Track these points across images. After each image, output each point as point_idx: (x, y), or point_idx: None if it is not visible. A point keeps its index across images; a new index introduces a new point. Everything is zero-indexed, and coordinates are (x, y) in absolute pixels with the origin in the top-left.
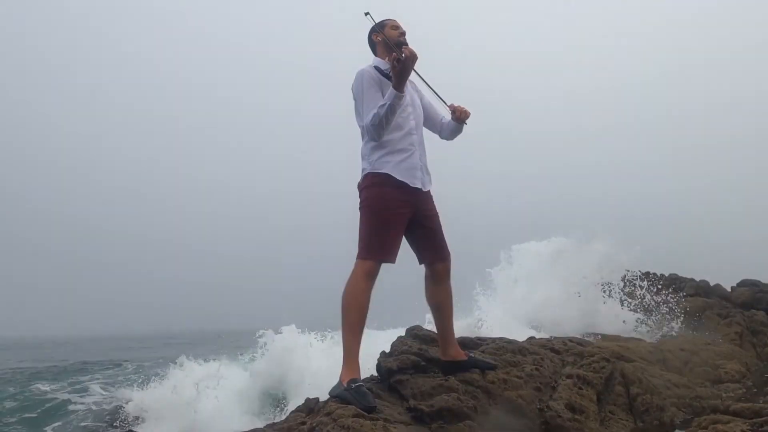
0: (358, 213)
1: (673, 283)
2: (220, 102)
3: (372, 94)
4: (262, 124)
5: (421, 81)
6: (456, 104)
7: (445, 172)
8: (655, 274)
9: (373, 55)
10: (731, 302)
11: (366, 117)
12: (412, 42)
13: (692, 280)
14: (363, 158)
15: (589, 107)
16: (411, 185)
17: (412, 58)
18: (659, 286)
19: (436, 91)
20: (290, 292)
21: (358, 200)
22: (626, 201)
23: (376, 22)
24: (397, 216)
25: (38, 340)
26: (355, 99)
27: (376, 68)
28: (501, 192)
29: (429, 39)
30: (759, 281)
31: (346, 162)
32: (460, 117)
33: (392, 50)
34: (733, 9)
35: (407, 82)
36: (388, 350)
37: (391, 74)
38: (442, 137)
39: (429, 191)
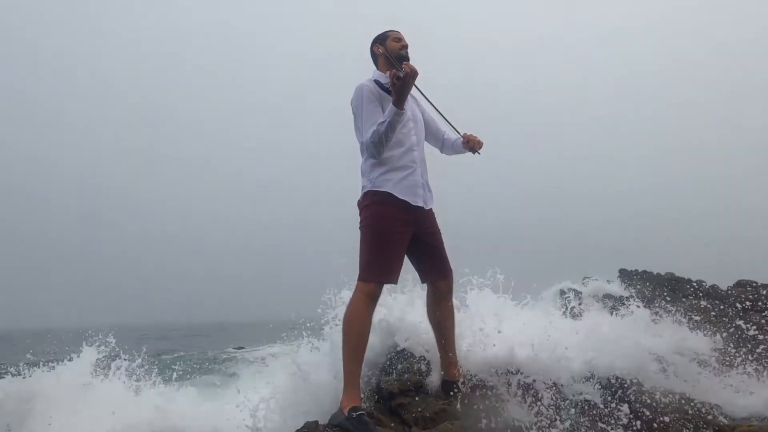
0: (359, 232)
1: (670, 282)
2: (225, 98)
3: (372, 109)
4: (267, 115)
5: (429, 103)
6: (469, 133)
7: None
8: (651, 273)
9: (374, 67)
10: (729, 303)
11: (366, 134)
12: (415, 55)
13: (689, 280)
14: (363, 175)
15: (586, 103)
16: (412, 204)
17: (413, 74)
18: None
19: (444, 114)
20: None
21: (358, 219)
22: (624, 201)
23: (379, 32)
24: (398, 235)
25: (49, 330)
26: (354, 114)
27: (377, 82)
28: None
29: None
30: (755, 282)
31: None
32: (473, 147)
33: (393, 65)
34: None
35: (408, 96)
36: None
37: (391, 90)
38: (442, 152)
39: (431, 209)
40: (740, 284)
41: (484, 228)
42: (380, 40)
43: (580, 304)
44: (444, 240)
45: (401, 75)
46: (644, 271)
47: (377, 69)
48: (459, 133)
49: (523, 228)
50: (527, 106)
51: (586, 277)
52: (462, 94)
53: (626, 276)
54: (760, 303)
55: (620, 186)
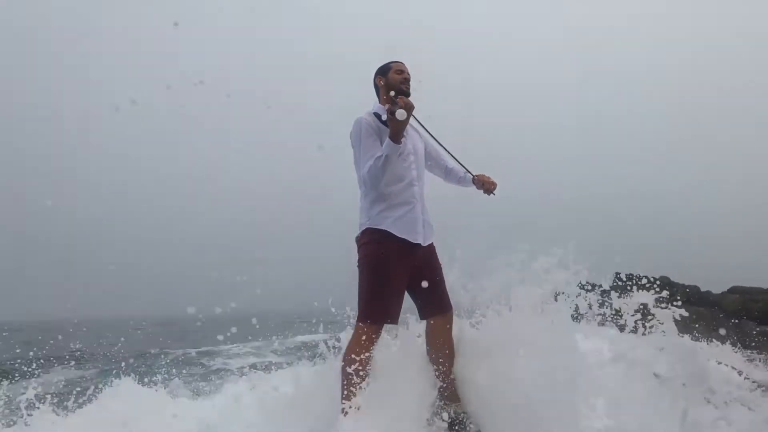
0: (357, 270)
1: (664, 287)
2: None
3: (370, 144)
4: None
5: (433, 138)
6: (482, 174)
7: None
8: (646, 277)
9: (376, 98)
10: (722, 309)
11: (363, 168)
12: (419, 89)
13: (682, 285)
14: (361, 212)
15: (578, 106)
16: (412, 241)
17: (408, 109)
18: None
19: (450, 151)
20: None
21: (356, 256)
22: (618, 206)
23: (384, 63)
24: (397, 274)
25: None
26: (353, 148)
27: (376, 114)
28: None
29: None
30: (749, 287)
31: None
32: (488, 189)
33: (391, 98)
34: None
35: (409, 126)
36: None
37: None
38: (446, 182)
39: (431, 243)
40: (734, 291)
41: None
42: (382, 71)
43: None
44: (444, 275)
45: (395, 110)
46: (638, 276)
47: (379, 100)
48: (468, 170)
49: (516, 227)
50: (524, 105)
51: (581, 284)
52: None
53: (620, 281)
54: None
55: (616, 189)
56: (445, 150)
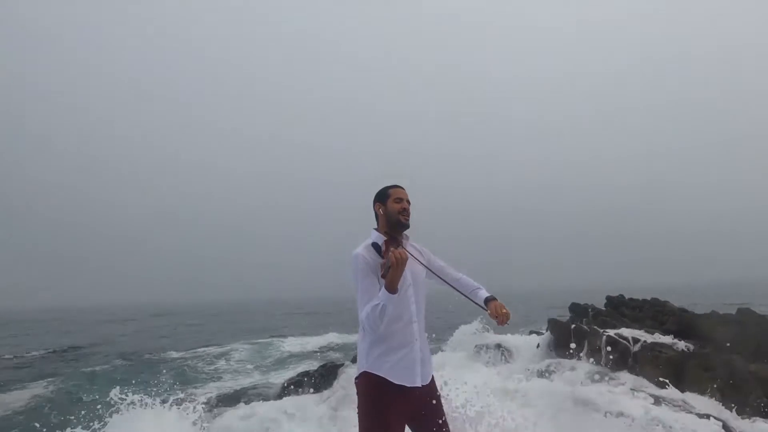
0: (356, 413)
1: (655, 308)
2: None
3: (367, 285)
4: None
5: (439, 278)
6: (495, 305)
7: None
8: (637, 299)
9: (376, 223)
10: (714, 342)
11: (361, 312)
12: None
13: (672, 310)
14: (360, 354)
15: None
16: (410, 386)
17: (401, 262)
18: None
19: (463, 291)
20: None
21: (356, 395)
22: (612, 218)
23: (382, 188)
24: (395, 423)
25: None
26: (353, 282)
27: (374, 245)
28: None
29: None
30: (731, 312)
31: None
32: (502, 321)
33: (391, 226)
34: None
35: (409, 244)
36: None
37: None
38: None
39: (431, 377)
40: (726, 319)
41: (469, 240)
42: (381, 198)
43: None
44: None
45: (389, 265)
46: (630, 299)
47: (377, 227)
48: (479, 304)
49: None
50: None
51: (574, 303)
52: None
53: (612, 303)
54: None
55: (609, 202)
56: (453, 287)
